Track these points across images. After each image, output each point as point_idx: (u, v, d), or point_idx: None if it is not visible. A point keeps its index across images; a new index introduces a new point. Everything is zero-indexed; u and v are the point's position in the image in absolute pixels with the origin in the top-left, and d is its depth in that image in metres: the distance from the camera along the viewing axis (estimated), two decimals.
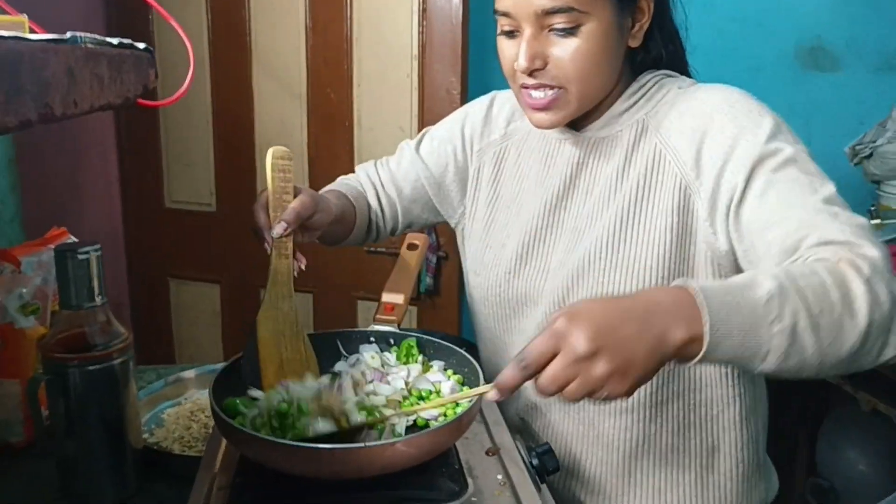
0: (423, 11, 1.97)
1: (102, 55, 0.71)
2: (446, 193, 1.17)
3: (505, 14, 0.91)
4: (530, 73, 0.91)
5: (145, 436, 1.09)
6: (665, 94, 0.97)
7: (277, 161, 0.94)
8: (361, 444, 0.72)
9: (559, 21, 0.88)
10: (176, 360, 2.34)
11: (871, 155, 2.29)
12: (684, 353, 0.67)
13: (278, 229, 0.91)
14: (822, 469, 2.20)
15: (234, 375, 0.89)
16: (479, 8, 2.16)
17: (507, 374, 0.67)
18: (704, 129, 0.91)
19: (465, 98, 1.98)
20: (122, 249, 2.34)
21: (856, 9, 2.38)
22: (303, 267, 0.96)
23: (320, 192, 1.08)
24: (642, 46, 0.97)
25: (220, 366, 1.21)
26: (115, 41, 0.79)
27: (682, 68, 1.03)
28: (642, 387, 0.94)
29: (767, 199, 0.84)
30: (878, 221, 2.18)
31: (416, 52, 2.00)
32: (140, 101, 0.95)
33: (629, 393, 0.67)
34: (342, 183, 1.21)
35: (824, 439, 2.22)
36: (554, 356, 0.65)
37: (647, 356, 0.66)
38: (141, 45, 0.88)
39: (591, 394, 0.65)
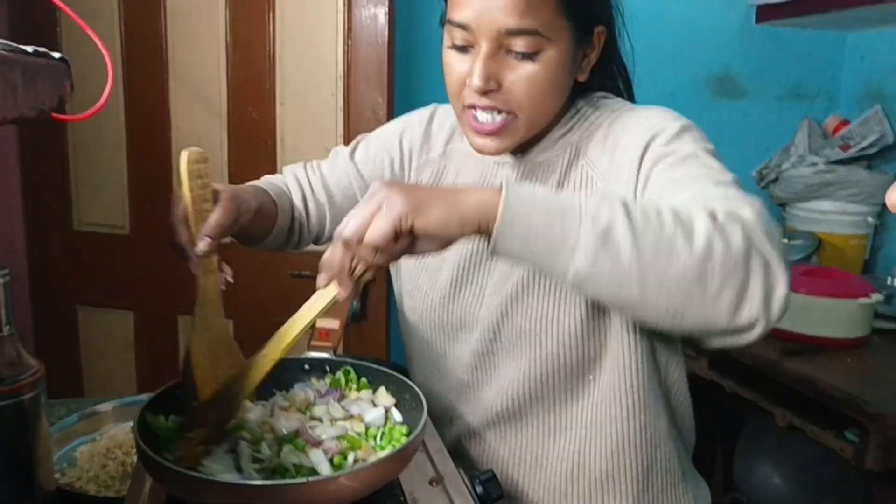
0: (349, 30, 1.95)
1: (16, 62, 0.66)
2: None
3: (462, 26, 0.86)
4: (482, 94, 0.88)
5: (56, 476, 1.00)
6: (599, 115, 0.98)
7: (193, 167, 0.82)
8: (303, 480, 0.67)
9: (520, 44, 0.85)
10: (84, 394, 2.20)
11: (776, 179, 2.40)
12: (483, 219, 0.69)
13: (202, 246, 0.82)
14: (739, 484, 2.27)
15: (162, 405, 0.83)
16: (405, 28, 2.16)
17: (326, 254, 0.73)
18: (625, 144, 0.91)
19: (391, 118, 1.94)
20: (26, 275, 2.19)
21: (760, 43, 2.52)
22: (230, 279, 0.87)
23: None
24: (588, 80, 0.97)
25: (142, 397, 1.14)
26: (29, 49, 0.73)
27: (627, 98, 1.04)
28: (578, 405, 0.96)
29: (660, 182, 0.84)
30: (785, 241, 2.29)
31: (341, 71, 1.97)
32: (54, 115, 0.89)
33: (405, 206, 0.68)
34: (266, 181, 1.13)
35: (740, 454, 2.30)
36: None
37: (443, 204, 0.69)
38: (56, 55, 0.83)
39: (371, 210, 0.68)
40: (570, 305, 0.93)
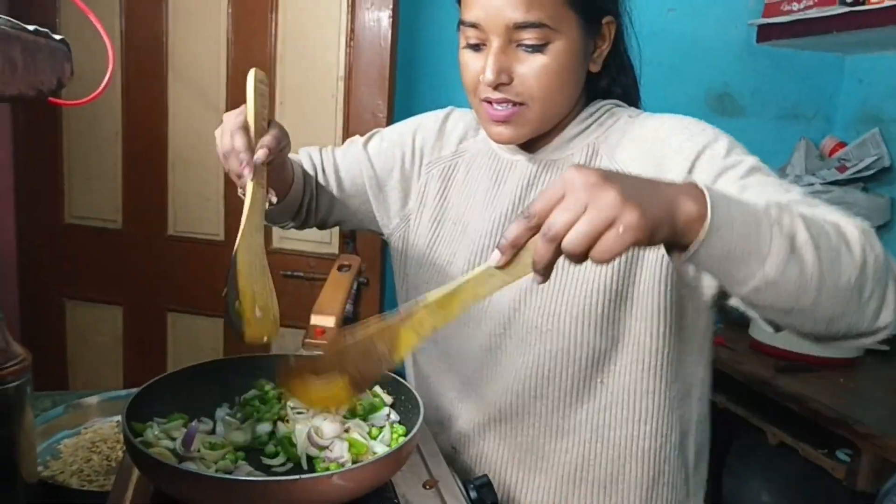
0: (351, 32, 1.94)
1: (17, 39, 0.64)
2: (385, 198, 1.13)
3: (473, 25, 0.90)
4: (495, 87, 0.90)
5: (39, 468, 0.98)
6: (616, 121, 0.99)
7: (259, 84, 0.90)
8: (295, 478, 0.66)
9: (528, 37, 0.88)
10: (69, 387, 2.17)
11: None
12: (688, 228, 0.62)
13: (262, 154, 0.87)
14: (728, 501, 2.26)
15: (149, 400, 0.81)
16: (408, 32, 2.16)
17: (512, 228, 0.62)
18: (662, 153, 0.91)
19: (391, 121, 1.95)
20: (15, 266, 2.16)
21: (760, 63, 2.53)
22: (274, 200, 0.93)
23: None
24: (599, 73, 0.98)
25: (126, 392, 1.12)
26: (30, 27, 0.72)
27: (633, 100, 1.04)
28: (585, 406, 0.94)
29: (745, 196, 0.82)
30: None
31: (342, 72, 1.96)
32: (51, 99, 0.87)
33: (644, 225, 0.58)
34: None
35: (730, 471, 2.28)
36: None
37: (659, 201, 0.61)
38: (57, 37, 0.81)
39: (605, 223, 0.57)
40: (586, 300, 0.91)
